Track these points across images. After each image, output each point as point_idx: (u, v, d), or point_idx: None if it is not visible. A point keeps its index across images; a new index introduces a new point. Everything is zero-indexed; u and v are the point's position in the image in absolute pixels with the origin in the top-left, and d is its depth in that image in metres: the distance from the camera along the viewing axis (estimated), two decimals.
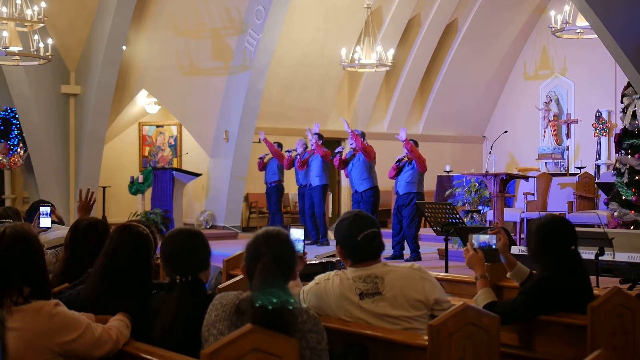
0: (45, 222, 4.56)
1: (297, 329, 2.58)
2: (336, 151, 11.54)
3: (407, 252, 10.47)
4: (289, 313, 2.53)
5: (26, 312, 2.75)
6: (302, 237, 3.57)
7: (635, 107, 9.47)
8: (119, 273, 3.16)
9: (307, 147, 12.74)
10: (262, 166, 13.47)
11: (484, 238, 3.65)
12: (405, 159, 10.51)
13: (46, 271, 2.91)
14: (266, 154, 13.54)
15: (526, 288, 3.50)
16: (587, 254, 6.37)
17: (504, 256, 3.68)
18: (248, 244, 2.79)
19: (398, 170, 10.55)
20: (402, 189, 10.40)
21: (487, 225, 9.74)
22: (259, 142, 14.63)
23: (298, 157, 12.62)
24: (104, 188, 14.70)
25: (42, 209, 4.62)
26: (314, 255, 6.93)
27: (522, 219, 11.04)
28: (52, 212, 4.85)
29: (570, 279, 3.44)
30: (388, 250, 10.03)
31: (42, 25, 10.33)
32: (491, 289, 3.57)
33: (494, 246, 3.62)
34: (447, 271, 7.46)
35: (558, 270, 3.44)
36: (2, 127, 13.53)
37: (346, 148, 12.13)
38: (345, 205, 16.45)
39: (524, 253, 6.08)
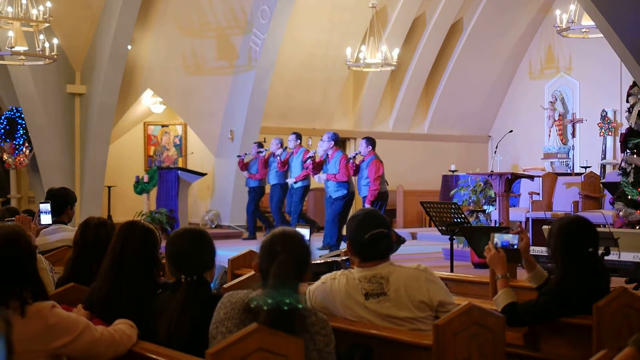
0: (45, 219, 4.60)
1: (306, 330, 2.58)
2: (308, 156, 11.13)
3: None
4: (299, 314, 2.53)
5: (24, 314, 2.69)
6: (308, 237, 3.58)
7: None
8: (127, 268, 3.17)
9: (284, 147, 12.35)
10: (243, 165, 13.11)
11: (506, 238, 3.61)
12: (360, 156, 10.54)
13: (38, 272, 2.82)
14: (246, 153, 13.27)
15: (549, 289, 3.44)
16: None
17: (525, 257, 3.63)
18: (263, 241, 2.79)
19: (356, 169, 10.60)
20: (364, 192, 10.49)
21: (493, 225, 9.71)
22: (264, 141, 14.61)
23: (278, 158, 12.27)
24: (109, 188, 14.72)
25: (42, 206, 4.67)
26: (318, 254, 6.93)
27: (527, 219, 11.02)
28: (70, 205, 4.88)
29: (592, 280, 3.40)
30: None
31: (47, 25, 10.35)
32: (512, 290, 3.51)
33: (515, 246, 3.58)
34: (452, 271, 7.45)
35: (580, 271, 3.39)
36: (7, 127, 13.57)
37: (317, 149, 11.59)
38: None
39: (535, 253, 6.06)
